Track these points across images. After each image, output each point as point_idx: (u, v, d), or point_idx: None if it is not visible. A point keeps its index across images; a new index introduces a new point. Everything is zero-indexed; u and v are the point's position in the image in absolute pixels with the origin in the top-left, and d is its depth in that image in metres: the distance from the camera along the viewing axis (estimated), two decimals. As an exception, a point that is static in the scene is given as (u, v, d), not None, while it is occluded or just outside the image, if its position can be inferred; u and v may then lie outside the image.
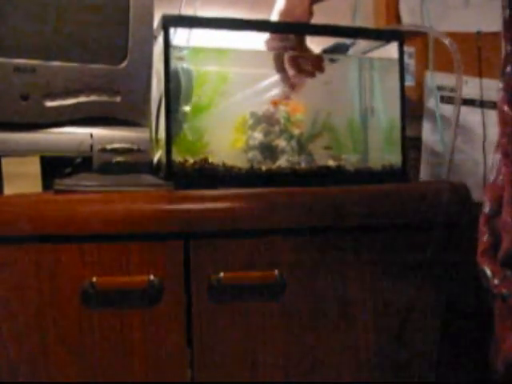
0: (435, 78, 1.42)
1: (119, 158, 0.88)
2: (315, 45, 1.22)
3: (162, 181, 0.92)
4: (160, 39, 0.97)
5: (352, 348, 0.89)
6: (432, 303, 0.91)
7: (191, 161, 0.99)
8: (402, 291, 0.90)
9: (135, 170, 0.89)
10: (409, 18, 1.47)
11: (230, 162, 1.01)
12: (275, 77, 1.10)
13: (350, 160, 1.11)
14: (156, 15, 0.92)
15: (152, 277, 0.80)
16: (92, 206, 0.79)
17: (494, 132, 0.81)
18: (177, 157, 0.98)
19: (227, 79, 1.05)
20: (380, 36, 1.14)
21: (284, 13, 1.06)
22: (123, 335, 0.81)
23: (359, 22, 1.43)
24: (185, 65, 1.01)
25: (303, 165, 1.05)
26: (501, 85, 0.66)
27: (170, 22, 0.97)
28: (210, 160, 1.00)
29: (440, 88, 1.43)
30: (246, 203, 0.83)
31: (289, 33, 1.10)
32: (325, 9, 1.13)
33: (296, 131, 1.08)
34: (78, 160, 0.88)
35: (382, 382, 0.90)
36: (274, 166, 1.03)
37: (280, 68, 1.09)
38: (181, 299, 0.82)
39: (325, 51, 1.10)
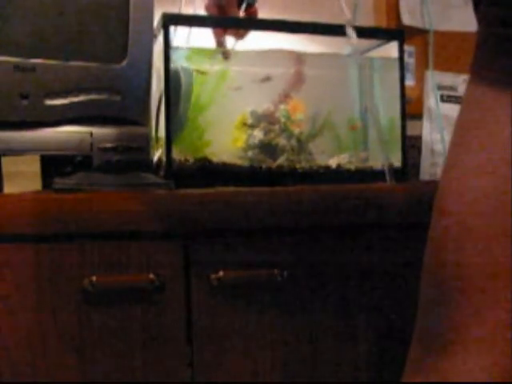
0: (435, 77, 1.42)
1: (119, 157, 0.88)
2: (316, 44, 1.23)
3: (162, 179, 0.92)
4: (160, 38, 0.97)
5: (352, 348, 0.89)
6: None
7: (191, 160, 0.99)
8: (404, 292, 0.90)
9: (135, 168, 0.89)
10: (409, 18, 1.47)
11: (230, 160, 1.01)
12: (275, 75, 1.11)
13: (350, 159, 1.11)
14: (156, 14, 0.92)
15: (152, 276, 0.80)
16: (92, 205, 0.79)
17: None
18: (177, 156, 0.98)
19: (227, 78, 1.05)
20: (381, 35, 1.14)
21: None
22: (123, 334, 0.80)
23: (360, 22, 1.43)
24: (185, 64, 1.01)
25: (303, 163, 1.05)
26: None
27: (170, 20, 0.97)
28: (210, 159, 1.00)
29: (440, 87, 1.43)
30: (245, 202, 0.83)
31: (288, 32, 1.10)
32: (325, 8, 1.13)
33: (296, 130, 1.08)
34: (78, 159, 0.88)
35: (382, 381, 0.90)
36: (274, 165, 1.03)
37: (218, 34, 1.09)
38: (181, 298, 0.82)
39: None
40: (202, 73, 1.02)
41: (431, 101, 1.42)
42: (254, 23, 1.08)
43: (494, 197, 0.59)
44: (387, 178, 0.97)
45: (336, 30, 1.08)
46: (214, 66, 1.05)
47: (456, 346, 0.59)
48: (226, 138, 1.06)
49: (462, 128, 0.63)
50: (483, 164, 0.59)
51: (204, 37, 1.08)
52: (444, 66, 1.43)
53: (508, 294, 0.58)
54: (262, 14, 1.15)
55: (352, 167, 1.07)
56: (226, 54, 1.08)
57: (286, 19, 1.08)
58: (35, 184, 0.84)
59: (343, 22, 1.00)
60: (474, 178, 0.60)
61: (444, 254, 0.62)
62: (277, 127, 1.07)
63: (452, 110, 1.43)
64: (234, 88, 1.06)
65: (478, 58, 0.62)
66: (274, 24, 1.08)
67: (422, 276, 0.64)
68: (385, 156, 0.99)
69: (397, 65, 1.10)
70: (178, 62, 1.01)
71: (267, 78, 1.06)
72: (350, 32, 0.98)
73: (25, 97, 0.85)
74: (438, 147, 1.41)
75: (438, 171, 1.29)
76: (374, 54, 1.16)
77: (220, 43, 1.09)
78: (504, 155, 0.58)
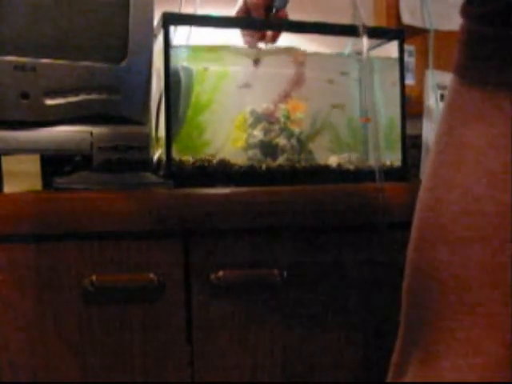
0: (435, 77, 1.42)
1: (119, 157, 0.88)
2: (317, 43, 1.23)
3: (161, 179, 0.92)
4: (160, 37, 0.97)
5: (352, 347, 0.89)
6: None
7: (191, 159, 0.99)
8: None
9: (135, 168, 0.89)
10: (409, 17, 1.46)
11: (230, 160, 1.01)
12: (276, 74, 1.11)
13: (351, 158, 1.11)
14: (156, 13, 0.92)
15: (152, 275, 0.80)
16: (92, 205, 0.79)
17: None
18: (177, 155, 0.98)
19: (227, 77, 1.05)
20: (381, 34, 1.14)
21: None
22: (123, 334, 0.81)
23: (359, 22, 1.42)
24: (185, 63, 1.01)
25: (303, 163, 1.05)
26: None
27: (171, 20, 0.97)
28: (210, 158, 1.00)
29: (440, 86, 1.43)
30: (246, 202, 0.83)
31: (288, 31, 1.10)
32: (325, 8, 1.13)
33: (296, 129, 1.08)
34: (78, 158, 0.88)
35: (380, 381, 0.90)
36: (274, 165, 1.03)
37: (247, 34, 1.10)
38: (181, 297, 0.82)
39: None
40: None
41: (431, 100, 1.42)
42: (253, 23, 1.07)
43: (472, 197, 0.58)
44: (377, 177, 0.97)
45: (336, 29, 1.08)
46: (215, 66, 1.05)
47: (438, 348, 0.59)
48: (226, 138, 1.06)
49: (445, 127, 0.62)
50: (464, 164, 0.59)
51: (204, 36, 1.08)
52: (444, 65, 1.42)
53: (484, 298, 0.57)
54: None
55: (352, 167, 1.07)
56: (257, 60, 1.08)
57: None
58: (35, 183, 0.84)
59: (346, 22, 1.00)
60: (454, 177, 0.59)
61: (423, 256, 0.62)
62: (277, 127, 1.07)
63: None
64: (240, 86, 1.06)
65: (463, 56, 0.61)
66: (277, 24, 1.08)
67: (404, 278, 0.64)
68: (376, 156, 0.99)
69: (397, 64, 1.10)
70: (179, 61, 1.01)
71: (246, 85, 1.05)
72: (363, 32, 0.98)
73: (25, 96, 0.85)
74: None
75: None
76: (374, 53, 1.16)
77: (251, 47, 1.10)
78: (485, 158, 0.58)
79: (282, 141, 1.07)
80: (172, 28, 0.97)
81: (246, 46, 1.11)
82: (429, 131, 1.40)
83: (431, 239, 0.61)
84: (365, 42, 0.99)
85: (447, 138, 0.61)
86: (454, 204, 0.59)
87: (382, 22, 1.46)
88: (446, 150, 0.61)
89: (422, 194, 0.63)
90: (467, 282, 0.58)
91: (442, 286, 0.59)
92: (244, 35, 1.10)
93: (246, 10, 1.07)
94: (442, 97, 1.43)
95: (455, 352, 0.58)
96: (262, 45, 1.11)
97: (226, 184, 0.96)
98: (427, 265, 0.61)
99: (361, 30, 0.98)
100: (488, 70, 0.58)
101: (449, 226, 0.59)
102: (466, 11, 0.60)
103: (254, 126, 1.07)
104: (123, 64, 0.89)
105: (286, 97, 1.09)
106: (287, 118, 1.08)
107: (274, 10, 1.08)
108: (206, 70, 1.04)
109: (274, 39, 1.10)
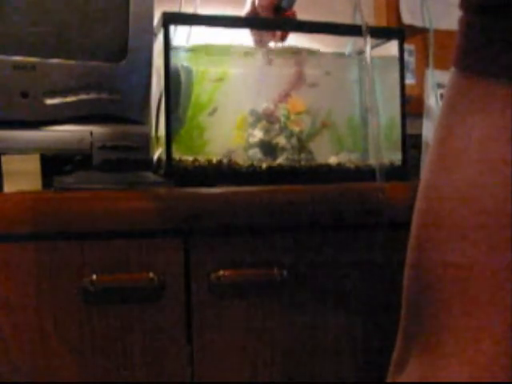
0: (435, 76, 1.42)
1: (119, 156, 0.88)
2: (317, 42, 1.23)
3: (161, 178, 0.92)
4: (160, 37, 0.97)
5: (352, 347, 0.89)
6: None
7: (191, 158, 0.99)
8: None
9: (135, 167, 0.89)
10: (409, 17, 1.46)
11: (230, 159, 1.01)
12: (275, 74, 1.11)
13: (350, 158, 1.11)
14: (156, 13, 0.92)
15: (152, 274, 0.80)
16: (91, 204, 0.79)
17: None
18: (177, 154, 0.98)
19: (227, 77, 1.05)
20: (381, 34, 1.14)
21: None
22: (123, 333, 0.80)
23: (360, 21, 1.42)
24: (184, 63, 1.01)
25: (303, 162, 1.05)
26: None
27: (171, 19, 0.97)
28: (210, 158, 1.00)
29: (440, 86, 1.43)
30: (245, 201, 0.83)
31: (290, 31, 1.10)
32: (325, 8, 1.13)
33: (296, 129, 1.08)
34: (78, 158, 0.88)
35: (381, 379, 0.90)
36: (274, 164, 1.03)
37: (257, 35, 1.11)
38: (181, 297, 0.82)
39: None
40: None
41: (431, 99, 1.42)
42: (253, 22, 1.07)
43: (473, 192, 0.58)
44: (377, 177, 0.97)
45: (337, 28, 1.08)
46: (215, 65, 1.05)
47: (439, 348, 0.59)
48: (226, 137, 1.06)
49: (445, 120, 0.62)
50: (464, 159, 0.59)
51: (204, 36, 1.08)
52: (444, 64, 1.42)
53: (483, 296, 0.57)
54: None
55: (352, 166, 1.07)
56: (269, 59, 1.09)
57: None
58: (35, 183, 0.84)
59: (346, 22, 1.00)
60: (454, 172, 0.59)
61: (422, 254, 0.61)
62: (277, 126, 1.07)
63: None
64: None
65: (462, 48, 0.61)
66: (278, 23, 1.08)
67: (404, 276, 0.64)
68: (377, 155, 0.99)
69: (397, 64, 1.10)
70: (179, 61, 1.01)
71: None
72: (366, 32, 0.98)
73: (25, 95, 0.85)
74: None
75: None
76: (374, 52, 1.16)
77: (260, 46, 1.10)
78: (487, 148, 0.58)
79: (281, 140, 1.07)
80: (172, 27, 0.97)
81: (254, 45, 1.11)
82: (429, 131, 1.40)
83: (431, 236, 0.61)
84: (368, 41, 0.99)
85: (447, 131, 0.61)
86: (454, 199, 0.59)
87: (382, 22, 1.46)
88: (446, 145, 0.61)
89: (422, 190, 0.63)
90: (466, 279, 0.58)
91: (441, 283, 0.59)
92: (253, 35, 1.10)
93: (254, 12, 1.08)
94: (442, 96, 1.43)
95: (453, 350, 0.58)
96: (271, 44, 1.12)
97: (225, 183, 0.96)
98: (427, 263, 0.61)
99: (364, 29, 0.98)
100: (487, 59, 0.58)
101: (449, 221, 0.59)
102: (464, 3, 0.60)
103: (253, 125, 1.07)
104: (123, 63, 0.88)
105: (285, 96, 1.09)
106: (287, 117, 1.08)
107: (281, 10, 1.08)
108: (206, 69, 1.04)
109: (282, 38, 1.10)
